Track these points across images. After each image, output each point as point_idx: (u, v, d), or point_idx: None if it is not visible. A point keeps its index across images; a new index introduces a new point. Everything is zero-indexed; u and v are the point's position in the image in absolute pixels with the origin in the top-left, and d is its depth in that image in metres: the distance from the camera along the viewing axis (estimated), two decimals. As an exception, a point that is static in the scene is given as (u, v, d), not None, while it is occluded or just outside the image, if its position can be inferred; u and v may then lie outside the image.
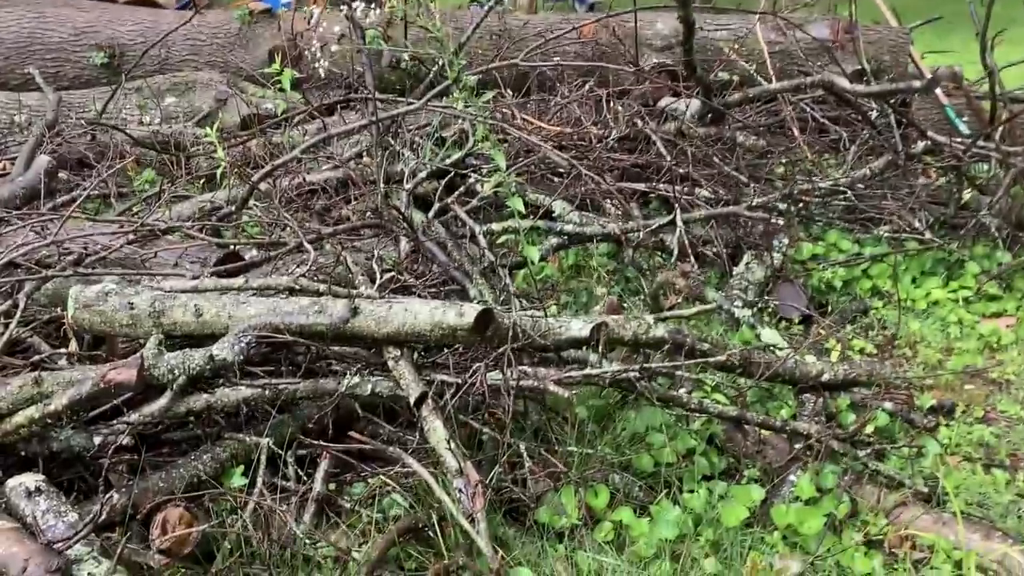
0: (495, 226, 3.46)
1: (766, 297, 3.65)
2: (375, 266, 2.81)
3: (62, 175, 4.59)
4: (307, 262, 2.78)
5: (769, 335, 3.17)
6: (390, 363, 2.41)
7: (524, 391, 2.42)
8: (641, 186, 4.14)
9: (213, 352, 2.29)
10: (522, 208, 3.15)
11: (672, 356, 2.64)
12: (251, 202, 3.57)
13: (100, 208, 4.13)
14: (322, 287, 2.56)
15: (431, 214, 3.70)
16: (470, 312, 2.35)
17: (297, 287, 2.55)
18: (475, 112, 3.00)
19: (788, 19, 5.22)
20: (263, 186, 3.66)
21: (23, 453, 2.22)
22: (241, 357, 2.30)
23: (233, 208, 3.17)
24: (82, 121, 4.80)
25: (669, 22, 5.59)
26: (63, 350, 2.60)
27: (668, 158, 4.25)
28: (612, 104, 4.88)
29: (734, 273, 3.74)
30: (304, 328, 2.34)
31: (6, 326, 2.54)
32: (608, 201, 3.75)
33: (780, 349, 3.01)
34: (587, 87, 5.11)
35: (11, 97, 5.44)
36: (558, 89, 5.15)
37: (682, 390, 2.69)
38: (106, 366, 2.13)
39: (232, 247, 3.04)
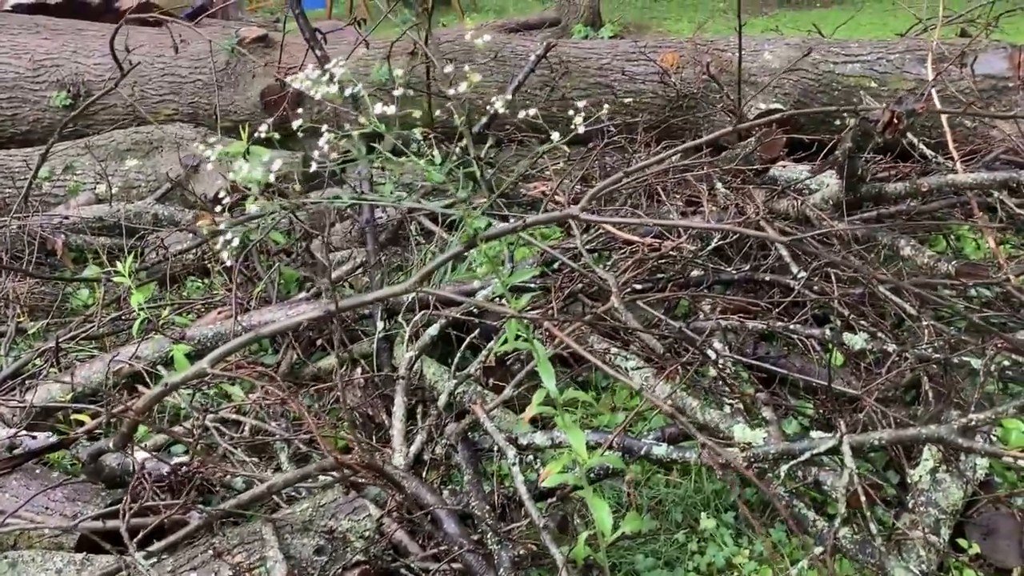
0: (539, 438, 2.18)
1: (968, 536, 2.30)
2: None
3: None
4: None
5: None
6: None
7: None
8: (758, 324, 2.82)
9: None
10: (583, 449, 1.88)
11: None
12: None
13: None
14: None
15: (444, 396, 2.44)
16: None
17: None
18: (508, 307, 1.72)
19: (951, 46, 3.79)
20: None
21: None
22: None
23: (112, 445, 1.94)
24: None
25: (780, 50, 4.20)
26: None
27: (797, 276, 2.91)
28: (708, 179, 3.55)
29: (912, 483, 2.39)
30: None
31: None
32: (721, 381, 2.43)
33: None
34: (672, 152, 3.79)
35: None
36: (628, 151, 3.86)
37: None
38: None
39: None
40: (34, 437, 2.23)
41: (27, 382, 2.65)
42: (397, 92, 1.39)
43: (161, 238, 3.32)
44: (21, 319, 2.88)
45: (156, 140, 4.18)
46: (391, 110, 1.32)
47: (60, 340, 2.64)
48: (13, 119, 5.06)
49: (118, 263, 2.55)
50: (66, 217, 3.55)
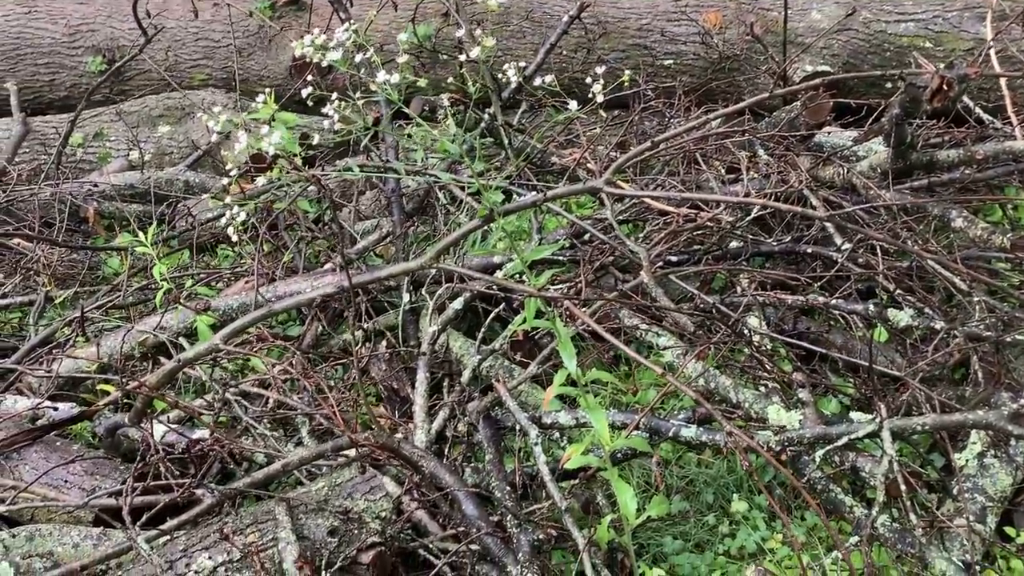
0: (563, 418, 2.11)
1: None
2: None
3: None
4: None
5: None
6: None
7: None
8: (797, 299, 2.70)
9: None
10: (606, 431, 1.80)
11: None
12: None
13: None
14: None
15: (468, 372, 2.38)
16: None
17: None
18: (529, 285, 1.65)
19: (1013, 3, 3.57)
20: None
21: None
22: None
23: (126, 420, 1.92)
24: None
25: (829, 9, 4.01)
26: None
27: (841, 248, 2.78)
28: (749, 145, 3.41)
29: (957, 468, 2.28)
30: None
31: None
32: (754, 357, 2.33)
33: None
34: (710, 118, 3.65)
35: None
36: (666, 115, 3.73)
37: None
38: None
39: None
40: (56, 408, 2.22)
41: (54, 351, 2.65)
42: (402, 59, 1.31)
43: (187, 207, 3.29)
44: (49, 287, 2.88)
45: (188, 106, 4.15)
46: (395, 78, 1.24)
47: (86, 310, 2.63)
48: (51, 84, 5.05)
49: (148, 231, 2.53)
50: (95, 184, 3.53)
